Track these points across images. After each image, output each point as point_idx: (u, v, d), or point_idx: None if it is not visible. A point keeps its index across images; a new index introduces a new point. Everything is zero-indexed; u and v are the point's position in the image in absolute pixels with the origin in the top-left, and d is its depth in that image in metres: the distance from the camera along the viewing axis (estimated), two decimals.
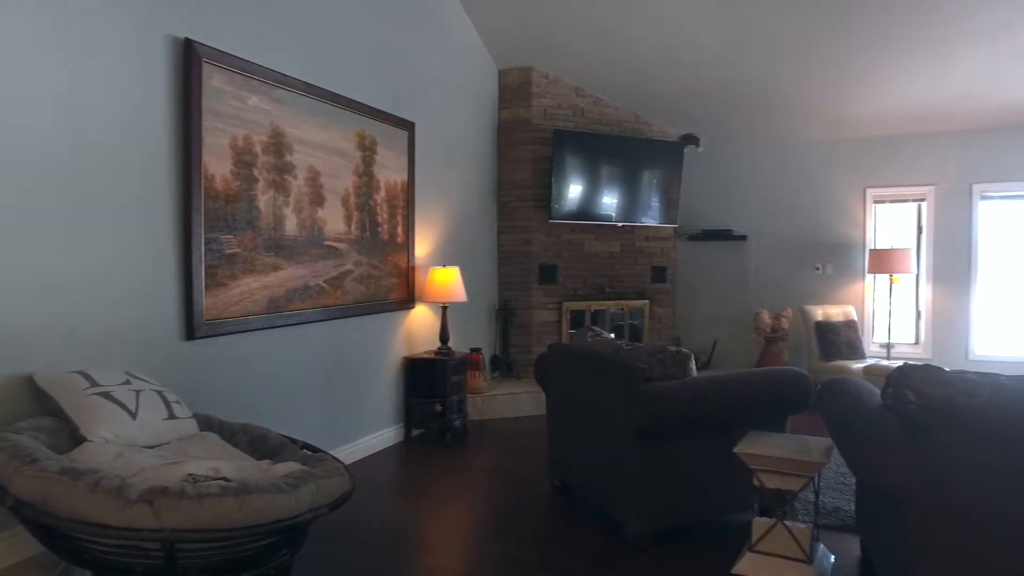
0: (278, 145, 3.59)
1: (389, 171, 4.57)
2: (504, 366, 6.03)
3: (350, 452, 4.19)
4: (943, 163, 6.30)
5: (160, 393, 2.47)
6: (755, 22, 5.16)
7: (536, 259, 6.04)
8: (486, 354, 5.82)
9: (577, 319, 6.13)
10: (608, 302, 6.30)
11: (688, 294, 6.85)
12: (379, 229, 4.48)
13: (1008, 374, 2.15)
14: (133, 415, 2.27)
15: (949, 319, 6.32)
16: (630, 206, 6.26)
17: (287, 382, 3.73)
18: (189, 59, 3.04)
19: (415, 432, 4.83)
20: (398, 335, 4.75)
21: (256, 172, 3.44)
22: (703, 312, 6.78)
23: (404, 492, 3.82)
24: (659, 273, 6.55)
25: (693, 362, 2.88)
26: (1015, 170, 6.16)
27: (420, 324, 4.99)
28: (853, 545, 2.96)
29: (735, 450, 2.61)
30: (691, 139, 6.62)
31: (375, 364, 4.50)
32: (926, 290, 6.38)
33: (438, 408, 4.72)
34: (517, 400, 5.51)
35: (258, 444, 2.46)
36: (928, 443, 1.95)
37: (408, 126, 4.76)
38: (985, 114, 6.00)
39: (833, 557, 2.85)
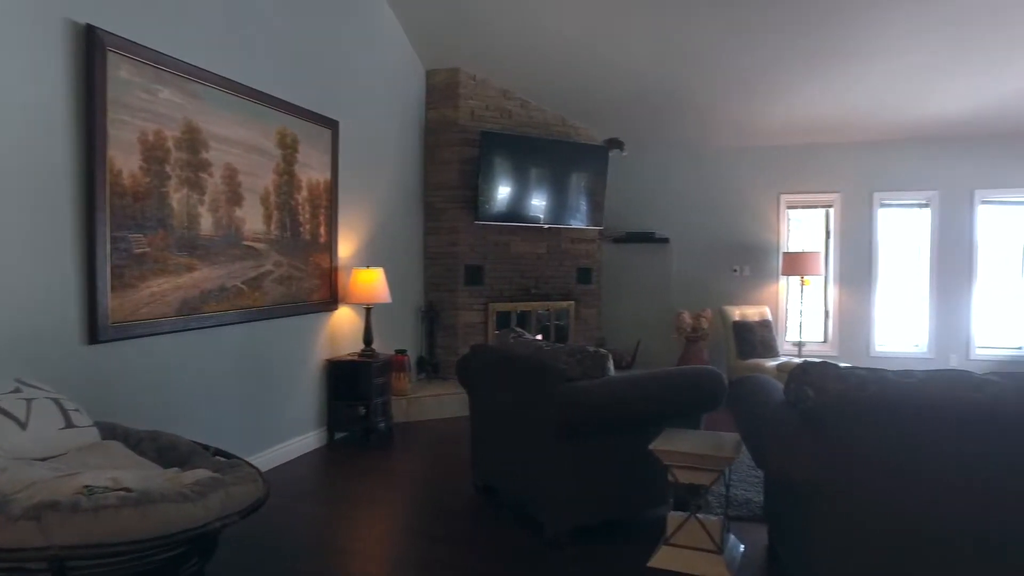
0: (192, 141, 3.45)
1: (311, 170, 4.48)
2: (430, 367, 6.00)
3: (270, 457, 4.07)
4: (848, 172, 6.68)
5: (56, 401, 2.33)
6: (677, 33, 5.33)
7: (462, 260, 6.04)
8: (412, 356, 5.78)
9: (503, 320, 6.17)
10: (534, 303, 6.37)
11: (613, 295, 7.00)
12: (301, 229, 4.38)
13: (901, 368, 2.31)
14: (23, 425, 2.13)
15: (853, 318, 6.70)
16: (557, 208, 6.34)
17: (202, 387, 3.59)
18: (92, 47, 2.88)
19: (338, 436, 4.75)
20: (320, 337, 4.65)
21: (168, 169, 3.30)
22: (627, 313, 6.95)
23: (325, 496, 3.75)
24: (584, 274, 6.67)
25: (611, 362, 2.95)
26: (910, 179, 6.60)
27: (343, 326, 4.91)
28: (762, 534, 3.09)
29: (650, 447, 2.69)
30: (616, 143, 6.77)
31: (296, 367, 4.40)
32: (833, 291, 6.75)
33: (362, 411, 4.65)
34: (443, 402, 5.49)
35: (167, 452, 2.36)
36: (824, 435, 2.07)
37: (331, 124, 4.67)
38: (884, 127, 6.41)
39: (743, 547, 2.98)
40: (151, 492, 1.76)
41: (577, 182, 6.45)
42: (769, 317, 6.37)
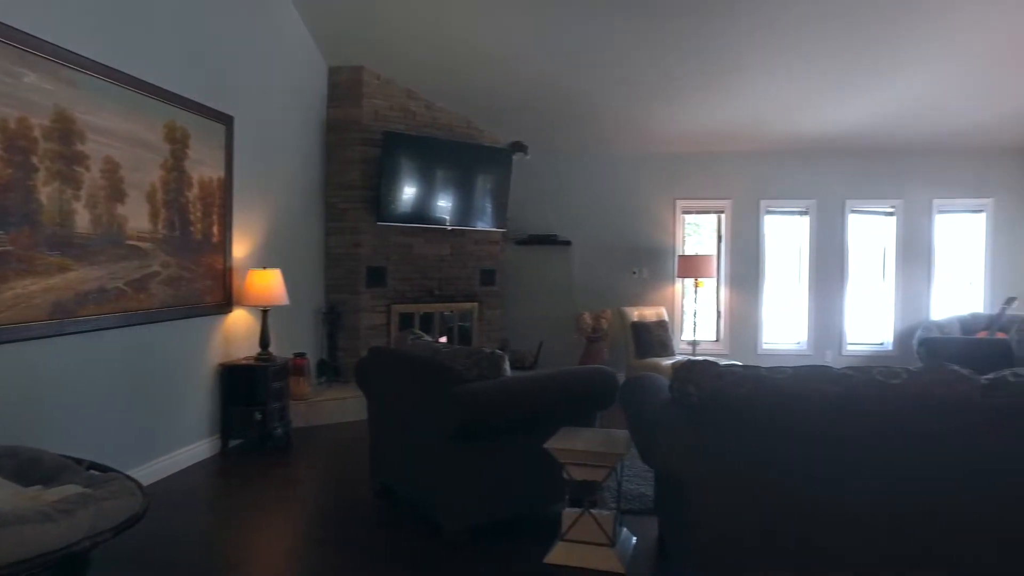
0: (66, 132, 3.22)
1: (204, 167, 4.28)
2: (331, 370, 5.86)
3: (156, 469, 3.86)
4: (738, 180, 7.08)
5: None
6: (581, 41, 5.47)
7: (365, 261, 5.95)
8: (312, 359, 5.63)
9: (406, 322, 6.12)
10: (438, 305, 6.36)
11: (516, 297, 7.09)
12: (192, 228, 4.18)
13: (786, 363, 2.47)
14: None
15: (743, 317, 7.11)
16: (461, 210, 6.36)
17: (79, 396, 3.35)
18: None
19: (233, 443, 4.56)
20: (213, 341, 4.45)
21: (36, 160, 3.07)
22: (530, 314, 7.06)
23: (218, 507, 3.60)
24: (488, 276, 6.72)
25: (507, 363, 3.00)
26: (792, 189, 7.08)
27: (238, 329, 4.72)
28: (654, 527, 3.22)
29: (545, 446, 2.75)
30: (520, 147, 6.86)
31: (186, 372, 4.19)
32: (725, 292, 7.13)
33: (258, 416, 4.49)
34: (345, 405, 5.38)
35: (29, 468, 2.19)
36: (704, 429, 2.19)
37: (226, 119, 4.48)
38: (770, 139, 6.84)
39: (635, 539, 3.10)
40: (5, 514, 1.63)
41: (481, 184, 6.50)
42: (666, 317, 6.65)
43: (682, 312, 7.16)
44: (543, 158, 7.05)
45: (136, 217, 3.69)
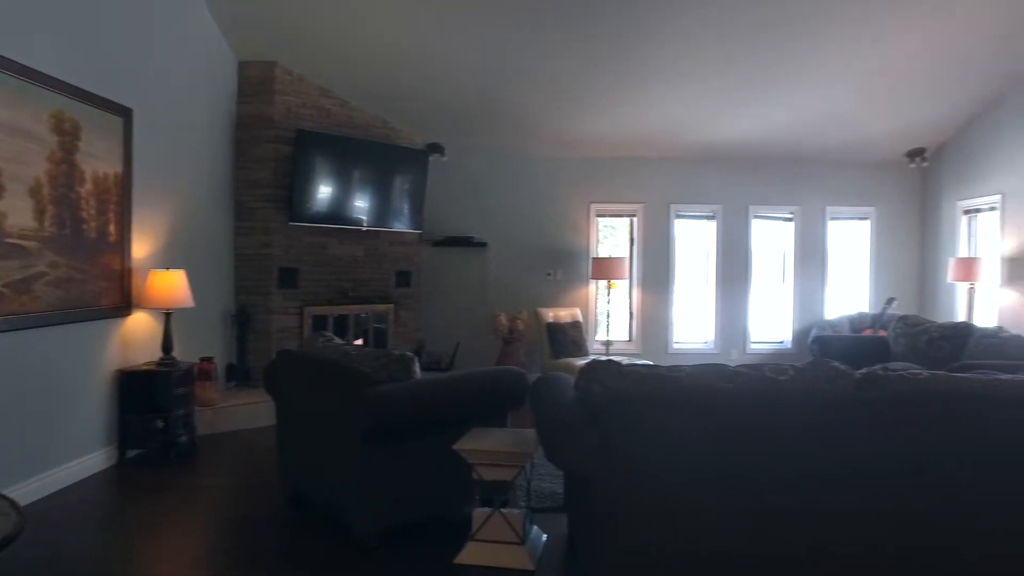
0: None
1: (99, 161, 4.05)
2: (241, 375, 5.67)
3: (41, 485, 3.60)
4: (649, 184, 7.33)
5: None
6: (498, 44, 5.52)
7: (276, 262, 5.79)
8: (220, 363, 5.43)
9: (320, 324, 5.99)
10: (353, 306, 6.26)
11: (433, 298, 7.07)
12: (84, 227, 3.94)
13: (694, 362, 2.58)
14: None
15: (654, 318, 7.36)
16: (376, 211, 6.29)
17: None
18: None
19: (132, 453, 4.33)
20: (110, 345, 4.22)
21: None
22: (447, 315, 7.05)
23: (113, 522, 3.41)
24: (404, 278, 6.68)
25: (417, 365, 3.00)
26: (700, 194, 7.40)
27: (138, 333, 4.49)
28: (563, 524, 3.29)
29: (455, 447, 2.77)
30: (436, 148, 6.85)
31: (78, 380, 3.95)
32: (637, 293, 7.36)
33: (160, 424, 4.29)
34: (255, 410, 5.21)
35: None
36: (607, 428, 2.27)
37: (124, 112, 4.26)
38: (680, 146, 7.12)
39: (545, 536, 3.16)
40: None
41: (397, 185, 6.44)
42: (580, 318, 6.80)
43: (596, 313, 7.34)
44: (460, 160, 7.06)
45: (17, 213, 3.44)
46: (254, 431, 5.08)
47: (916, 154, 7.30)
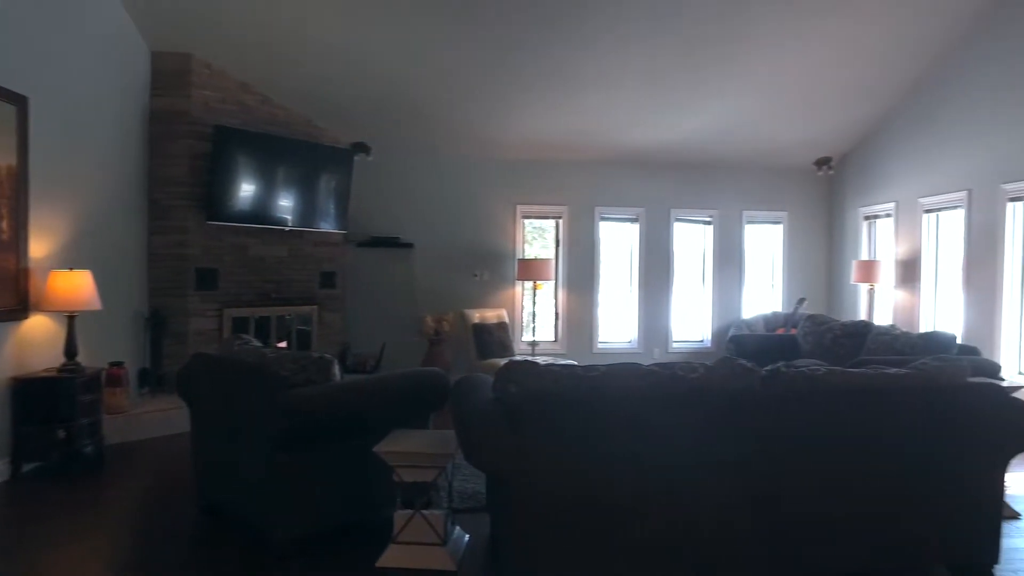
0: None
1: None
2: (155, 380, 5.44)
3: None
4: (575, 187, 7.47)
5: None
6: (425, 45, 5.51)
7: (193, 262, 5.58)
8: (133, 368, 5.19)
9: (240, 326, 5.82)
10: (275, 308, 6.11)
11: (358, 299, 6.97)
12: None
13: (617, 360, 2.65)
14: None
15: (579, 318, 7.50)
16: (300, 210, 6.16)
17: None
18: None
19: (28, 467, 4.06)
20: (4, 351, 3.96)
21: None
22: (373, 317, 6.97)
23: (5, 542, 3.18)
24: (328, 279, 6.56)
25: (336, 367, 2.96)
26: (623, 197, 7.59)
27: (38, 337, 4.24)
28: (487, 523, 3.32)
29: (375, 449, 2.75)
30: (362, 147, 6.76)
31: None
32: (562, 294, 7.48)
33: (62, 434, 4.05)
34: (169, 416, 5.00)
35: None
36: (524, 427, 2.31)
37: (18, 100, 4.00)
38: (604, 149, 7.29)
39: (467, 537, 3.17)
40: None
41: (321, 185, 6.33)
42: (506, 319, 6.86)
43: (522, 314, 7.41)
44: (386, 160, 7.00)
45: None
46: (168, 439, 4.88)
47: (823, 163, 7.72)
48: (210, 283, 5.69)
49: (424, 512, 2.89)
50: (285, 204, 6.06)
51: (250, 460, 2.98)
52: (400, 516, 2.90)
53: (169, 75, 5.54)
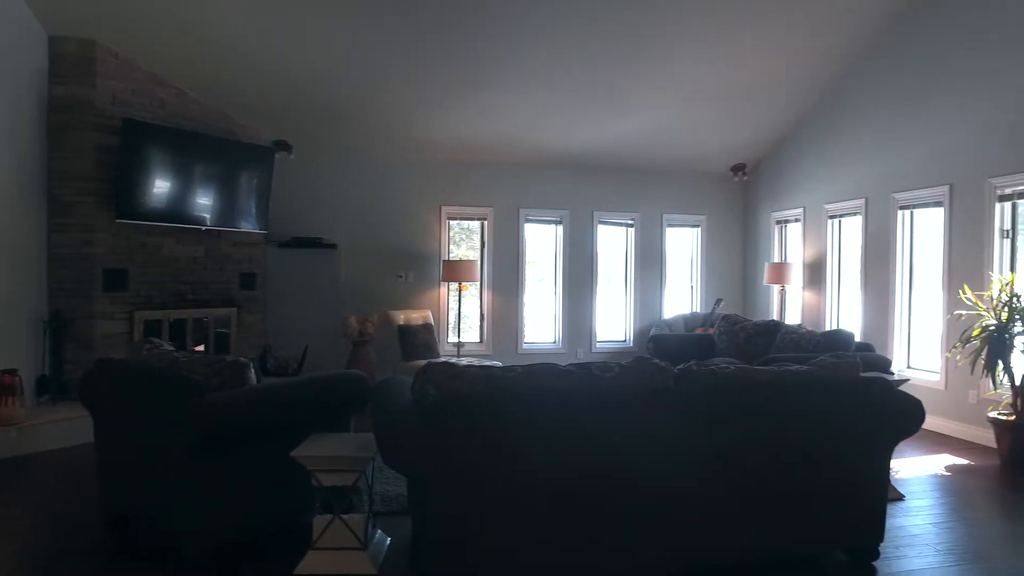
0: None
1: None
2: (56, 388, 5.13)
3: None
4: (499, 189, 7.52)
5: None
6: (348, 44, 5.43)
7: (100, 263, 5.31)
8: (30, 375, 4.88)
9: (153, 329, 5.57)
10: (191, 310, 5.88)
11: (280, 301, 6.79)
12: None
13: (541, 360, 2.69)
14: None
15: (505, 319, 7.56)
16: (218, 209, 5.95)
17: None
18: None
19: None
20: None
21: None
22: (295, 318, 6.80)
23: None
24: (248, 280, 6.37)
25: (252, 371, 2.89)
26: (548, 199, 7.70)
27: None
28: (409, 526, 3.31)
29: (292, 454, 2.70)
30: (284, 145, 6.60)
31: None
32: (488, 295, 7.52)
33: None
34: (73, 426, 4.72)
35: None
36: (440, 429, 2.32)
37: None
38: (528, 152, 7.38)
39: (389, 540, 3.16)
40: None
41: (240, 183, 6.14)
42: (431, 320, 6.84)
43: (447, 315, 7.41)
44: (309, 158, 6.86)
45: None
46: (71, 450, 4.61)
47: (738, 169, 8.08)
48: (119, 284, 5.42)
49: (344, 516, 2.86)
50: (202, 202, 5.84)
51: (161, 469, 2.87)
52: (319, 521, 2.85)
53: (70, 62, 5.22)
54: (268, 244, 6.65)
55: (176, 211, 5.65)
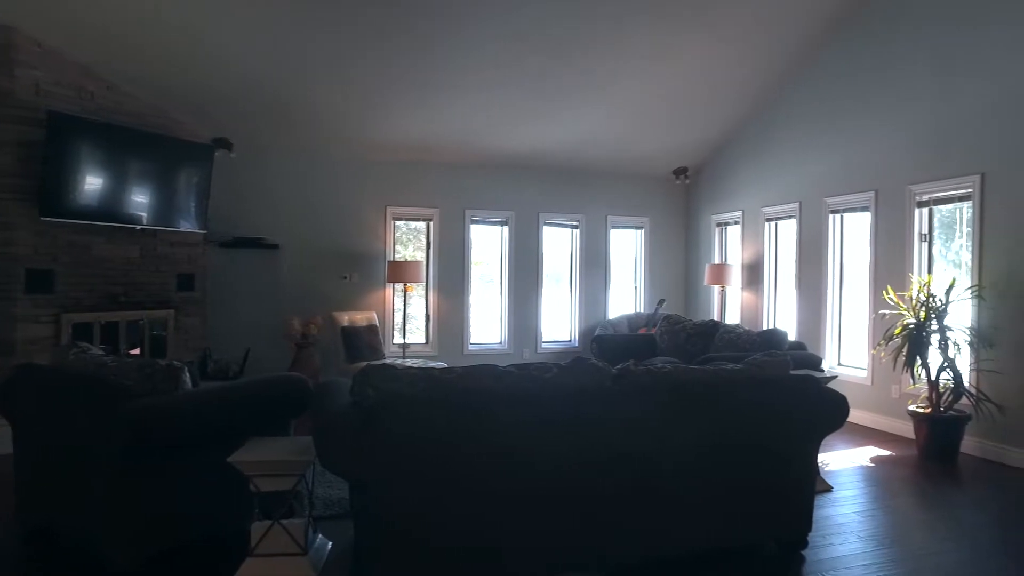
0: None
1: None
2: None
3: None
4: (445, 190, 7.51)
5: None
6: (290, 40, 5.31)
7: (23, 263, 5.06)
8: None
9: (83, 333, 5.34)
10: (124, 313, 5.67)
11: (220, 303, 6.61)
12: None
13: (489, 362, 2.69)
14: None
15: (451, 320, 7.55)
16: (154, 208, 5.76)
17: None
18: None
19: None
20: None
21: None
22: (236, 321, 6.64)
23: None
24: (186, 281, 6.18)
25: (187, 375, 2.82)
26: (495, 200, 7.73)
27: None
28: (351, 529, 3.27)
29: (229, 459, 2.65)
30: (224, 143, 6.43)
31: None
32: (433, 296, 7.50)
33: None
34: None
35: None
36: (379, 431, 2.31)
37: None
38: (474, 153, 7.38)
39: (330, 544, 3.12)
40: None
41: (178, 181, 5.95)
42: (376, 322, 6.77)
43: (392, 316, 7.35)
44: (250, 157, 6.70)
45: None
46: None
47: (681, 172, 8.27)
48: (44, 286, 5.18)
49: (283, 522, 2.81)
50: (137, 200, 5.64)
51: (88, 478, 2.76)
52: (258, 527, 2.80)
53: None
54: (208, 244, 6.46)
55: (108, 209, 5.44)
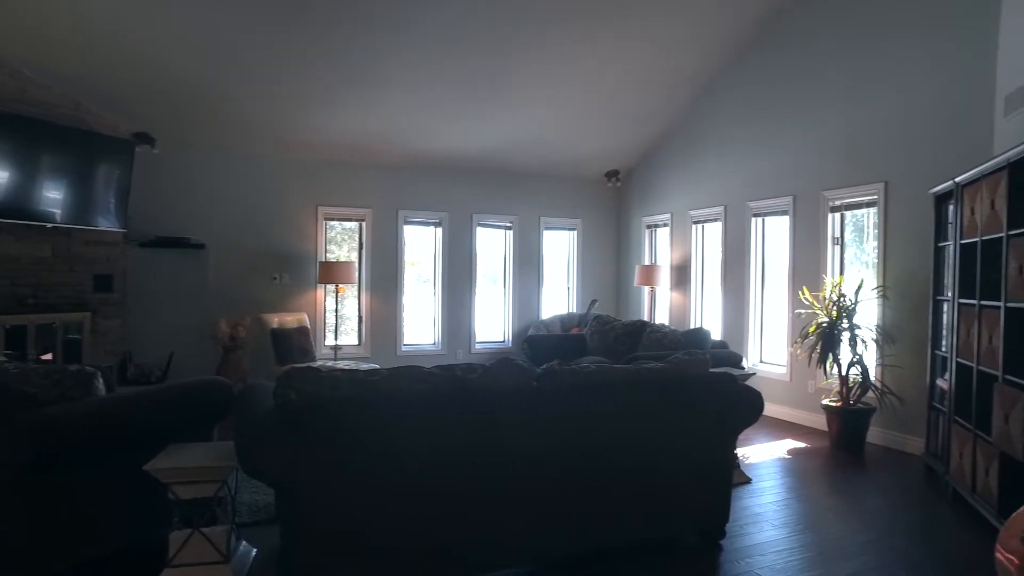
0: None
1: None
2: None
3: None
4: (378, 190, 7.44)
5: None
6: (213, 34, 5.16)
7: None
8: None
9: None
10: (34, 315, 5.39)
11: (142, 305, 6.36)
12: None
13: (422, 363, 2.69)
14: None
15: (384, 321, 7.49)
16: (68, 205, 5.50)
17: None
18: None
19: None
20: None
21: None
22: (160, 323, 6.39)
23: None
24: (104, 282, 5.92)
25: (100, 380, 2.71)
26: (427, 201, 7.71)
27: None
28: (277, 535, 3.22)
29: (145, 467, 2.57)
30: (145, 138, 6.19)
31: None
32: (366, 297, 7.42)
33: None
34: None
35: None
36: (301, 434, 2.29)
37: None
38: (407, 154, 7.35)
39: (255, 551, 3.06)
40: None
41: (95, 177, 5.69)
42: (307, 323, 6.66)
43: (324, 318, 7.24)
44: (174, 153, 6.47)
45: None
46: None
47: (612, 175, 8.46)
48: None
49: (204, 530, 2.75)
50: (49, 197, 5.37)
51: None
52: (176, 536, 2.73)
53: None
54: (128, 243, 6.20)
55: (15, 206, 5.16)
